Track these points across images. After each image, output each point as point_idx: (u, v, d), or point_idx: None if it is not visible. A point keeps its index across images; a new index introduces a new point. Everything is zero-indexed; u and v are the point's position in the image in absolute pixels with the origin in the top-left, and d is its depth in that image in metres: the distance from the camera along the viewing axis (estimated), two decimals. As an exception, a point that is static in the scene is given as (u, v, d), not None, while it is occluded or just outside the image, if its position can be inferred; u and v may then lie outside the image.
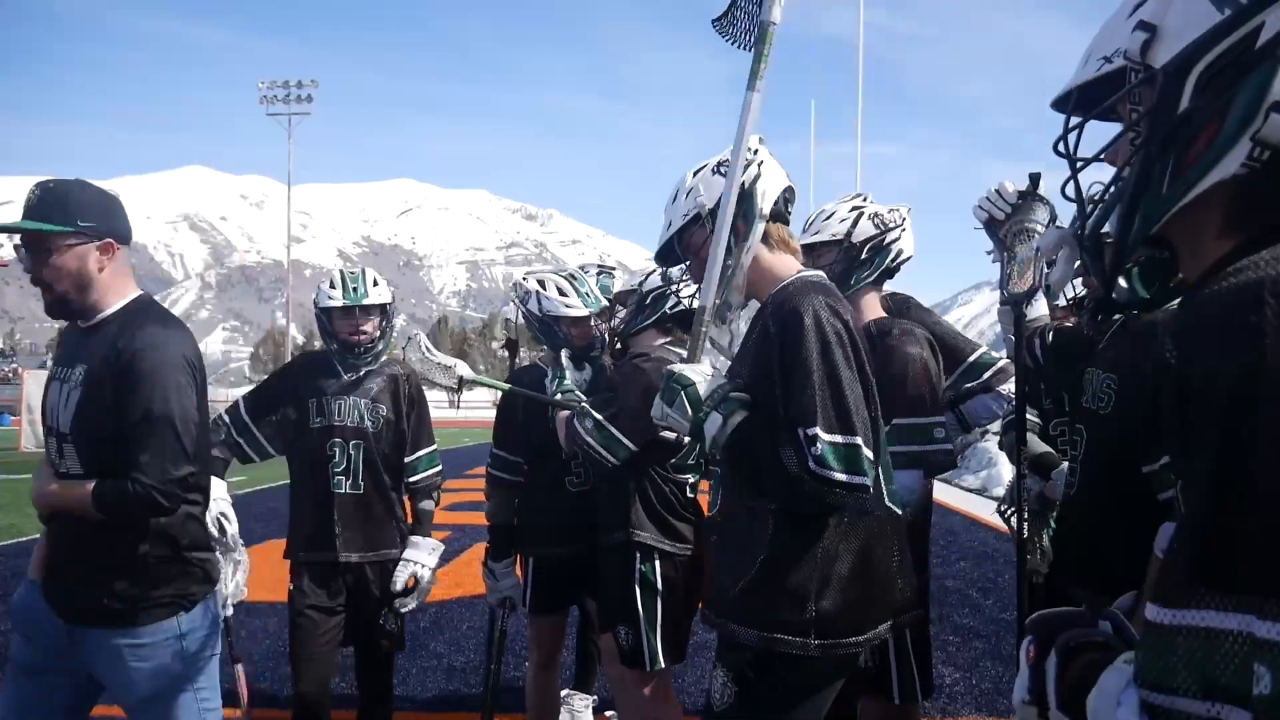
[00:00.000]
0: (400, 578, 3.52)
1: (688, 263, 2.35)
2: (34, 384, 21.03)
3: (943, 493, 13.08)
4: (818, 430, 1.94)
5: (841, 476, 1.92)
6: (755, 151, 2.21)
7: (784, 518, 2.04)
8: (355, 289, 3.62)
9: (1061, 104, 1.19)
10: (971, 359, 3.12)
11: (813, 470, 1.93)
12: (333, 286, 3.68)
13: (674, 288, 3.30)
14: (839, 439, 1.94)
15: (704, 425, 2.02)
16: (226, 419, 3.59)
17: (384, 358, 3.75)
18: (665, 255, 2.38)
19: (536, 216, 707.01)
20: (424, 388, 3.79)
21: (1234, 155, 0.96)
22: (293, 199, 57.34)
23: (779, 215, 2.20)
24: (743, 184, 2.16)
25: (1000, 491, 12.93)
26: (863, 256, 2.86)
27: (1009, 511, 3.19)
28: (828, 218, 2.94)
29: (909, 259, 2.99)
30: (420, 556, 3.58)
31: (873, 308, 2.93)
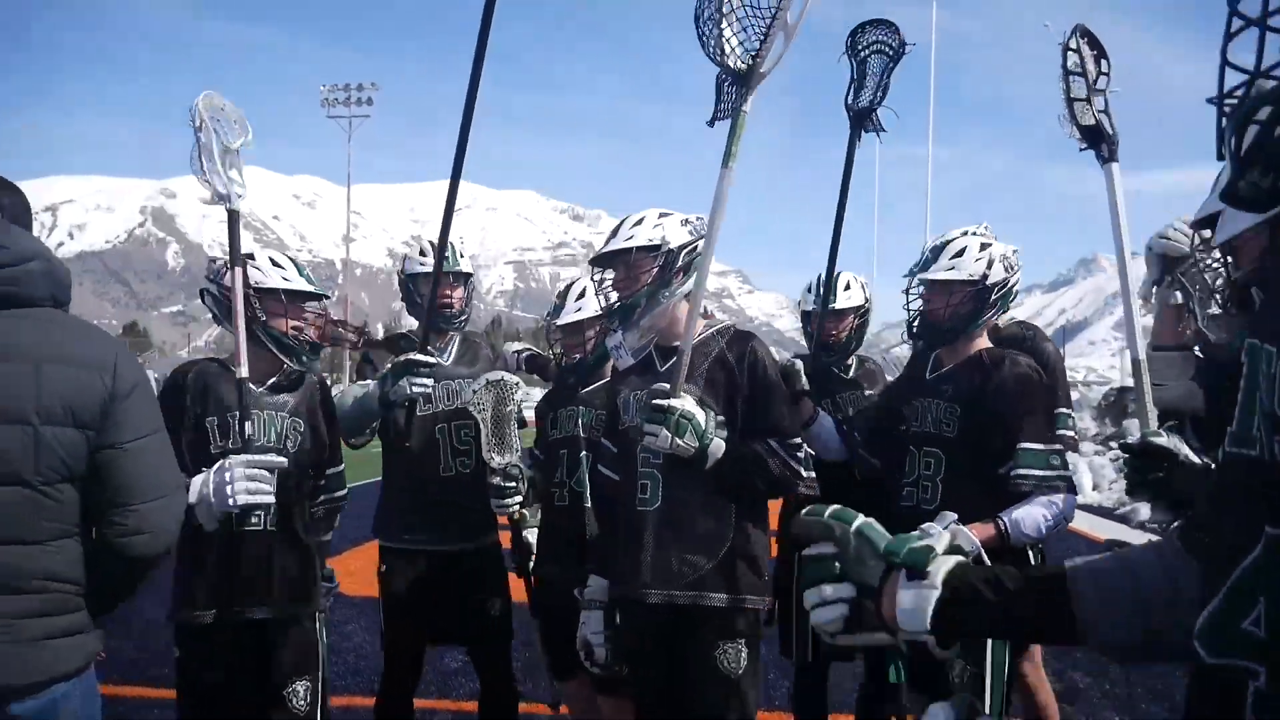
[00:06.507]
0: None
1: (610, 275, 2.78)
2: None
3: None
4: (799, 439, 2.67)
5: (809, 474, 2.67)
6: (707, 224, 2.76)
7: (744, 505, 2.65)
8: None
9: None
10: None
11: (797, 471, 2.62)
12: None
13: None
14: (807, 447, 2.70)
15: (709, 449, 2.53)
16: None
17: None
18: (607, 260, 2.78)
19: (584, 217, 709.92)
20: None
21: None
22: (345, 199, 58.25)
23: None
24: (695, 246, 2.74)
25: (1082, 500, 12.82)
26: (992, 299, 2.95)
27: None
28: (958, 255, 2.98)
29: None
30: None
31: (983, 339, 3.06)
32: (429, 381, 3.25)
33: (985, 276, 2.92)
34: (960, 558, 1.29)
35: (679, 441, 2.47)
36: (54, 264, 2.07)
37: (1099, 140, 2.72)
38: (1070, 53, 2.69)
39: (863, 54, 3.52)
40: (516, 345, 4.41)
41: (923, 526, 2.61)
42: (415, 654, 3.66)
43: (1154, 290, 2.67)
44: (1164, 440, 2.35)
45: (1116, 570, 1.22)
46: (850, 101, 3.55)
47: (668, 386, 2.55)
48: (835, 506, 1.36)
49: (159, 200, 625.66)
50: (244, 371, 2.80)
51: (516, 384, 3.39)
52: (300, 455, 2.97)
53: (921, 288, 3.04)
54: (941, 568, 1.26)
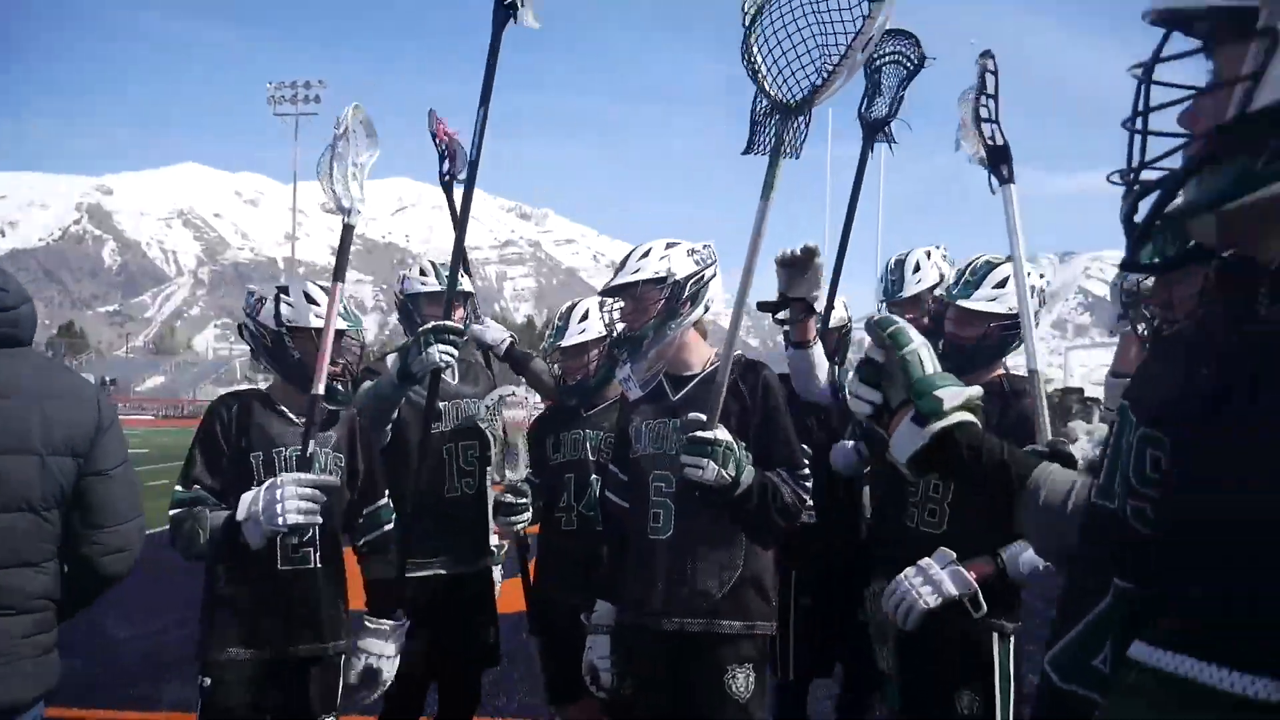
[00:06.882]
0: None
1: (619, 306, 2.77)
2: None
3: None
4: (807, 469, 2.69)
5: (810, 501, 2.71)
6: (714, 253, 2.80)
7: (752, 533, 2.68)
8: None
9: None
10: None
11: (804, 501, 2.66)
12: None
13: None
14: (810, 474, 2.71)
15: (742, 478, 2.51)
16: None
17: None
18: (614, 293, 2.78)
19: (531, 216, 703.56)
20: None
21: None
22: (289, 197, 57.37)
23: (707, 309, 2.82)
24: (702, 276, 2.73)
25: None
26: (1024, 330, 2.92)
27: None
28: (1000, 285, 2.89)
29: None
30: None
31: (1000, 364, 3.04)
32: (455, 350, 3.15)
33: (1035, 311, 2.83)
34: (965, 416, 1.45)
35: (724, 472, 2.46)
36: (33, 305, 2.28)
37: (1002, 161, 2.75)
38: (989, 75, 2.75)
39: (877, 63, 3.43)
40: (503, 330, 4.13)
41: (920, 563, 2.62)
42: (422, 683, 3.59)
43: (1117, 322, 2.76)
44: (1070, 447, 2.47)
45: (1063, 492, 1.39)
46: (863, 111, 3.49)
47: (704, 418, 2.50)
48: (900, 325, 1.51)
49: (95, 197, 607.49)
50: (320, 388, 2.79)
51: (525, 398, 3.38)
52: (342, 489, 2.98)
53: (951, 312, 2.94)
54: (940, 423, 1.44)
